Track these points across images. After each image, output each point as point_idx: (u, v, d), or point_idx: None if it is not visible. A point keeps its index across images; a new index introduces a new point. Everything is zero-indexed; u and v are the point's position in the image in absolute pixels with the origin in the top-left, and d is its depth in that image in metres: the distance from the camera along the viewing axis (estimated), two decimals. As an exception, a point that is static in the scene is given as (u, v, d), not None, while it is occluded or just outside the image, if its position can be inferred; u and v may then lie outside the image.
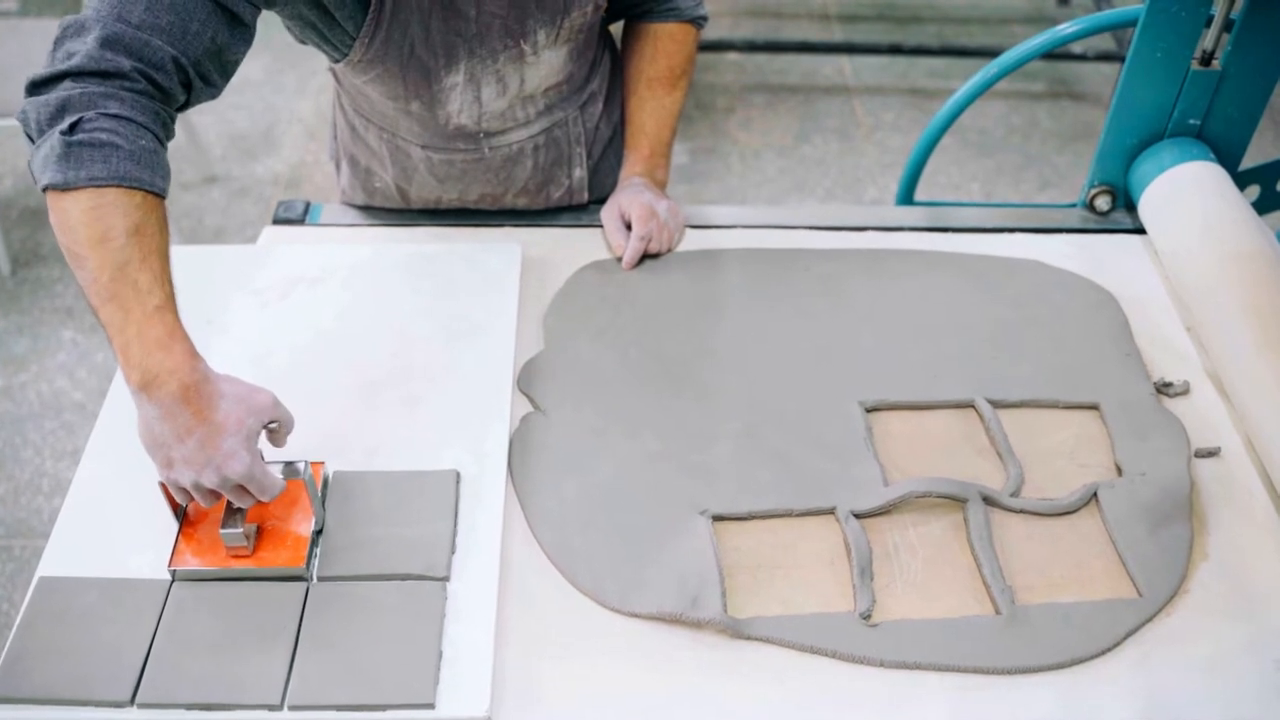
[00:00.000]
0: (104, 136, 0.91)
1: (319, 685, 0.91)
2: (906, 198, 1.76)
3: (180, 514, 1.01)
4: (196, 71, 0.99)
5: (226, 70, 1.04)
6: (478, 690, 0.91)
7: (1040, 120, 3.18)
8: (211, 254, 1.36)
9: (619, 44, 1.45)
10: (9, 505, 2.14)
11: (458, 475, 1.07)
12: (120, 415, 1.11)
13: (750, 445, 1.12)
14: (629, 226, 1.35)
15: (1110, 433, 1.15)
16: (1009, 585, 1.00)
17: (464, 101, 1.26)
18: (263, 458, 0.94)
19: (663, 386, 1.19)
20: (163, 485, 0.96)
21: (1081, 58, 3.20)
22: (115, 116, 0.92)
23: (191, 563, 0.98)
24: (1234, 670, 0.95)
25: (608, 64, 1.42)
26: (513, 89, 1.27)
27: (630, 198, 1.36)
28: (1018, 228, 1.44)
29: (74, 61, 0.93)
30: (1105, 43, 3.22)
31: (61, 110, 0.92)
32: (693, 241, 1.39)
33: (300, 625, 0.95)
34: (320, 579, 0.99)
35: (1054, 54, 3.11)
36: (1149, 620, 0.98)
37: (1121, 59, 1.37)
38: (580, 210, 1.45)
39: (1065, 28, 1.60)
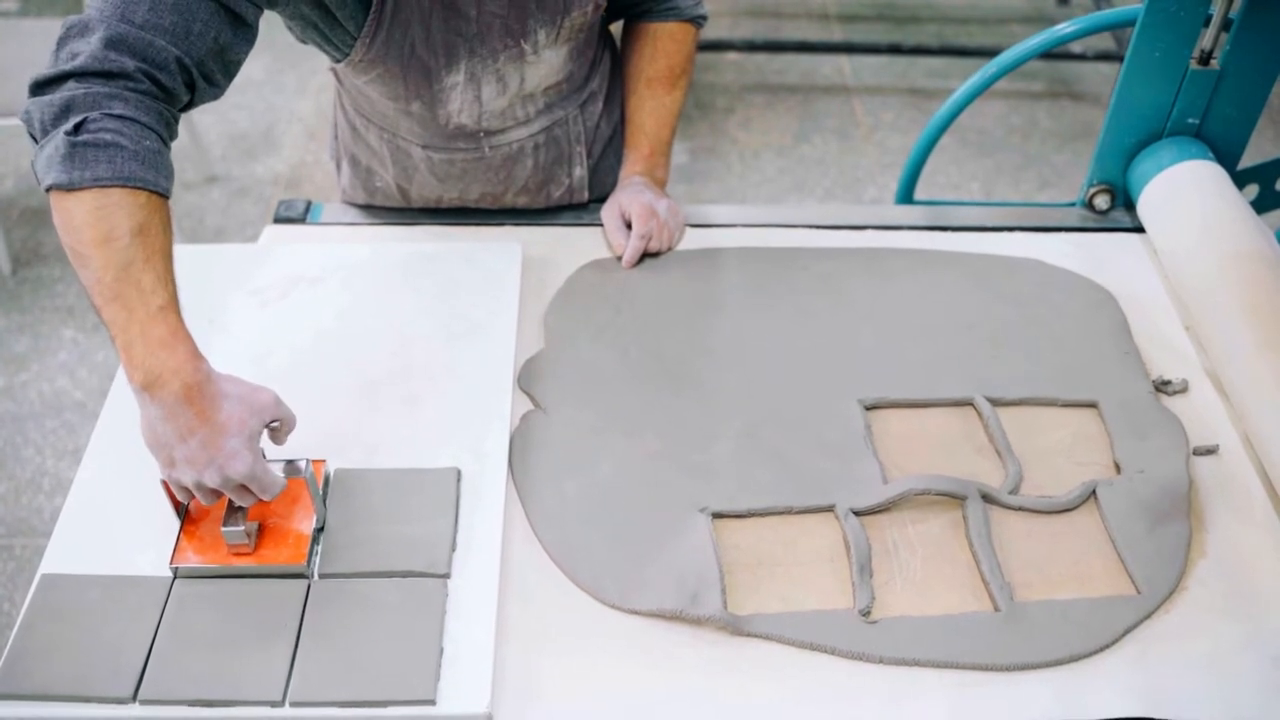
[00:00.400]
0: (109, 137, 0.91)
1: (320, 682, 0.91)
2: (906, 197, 1.76)
3: (182, 512, 1.01)
4: (200, 71, 1.00)
5: (229, 70, 1.04)
6: (478, 687, 0.91)
7: (1040, 120, 3.18)
8: (212, 253, 1.36)
9: (618, 43, 1.45)
10: (10, 504, 2.14)
11: (458, 473, 1.07)
12: (122, 414, 1.11)
13: (750, 443, 1.13)
14: (629, 225, 1.35)
15: (1109, 431, 1.15)
16: (1008, 582, 1.00)
17: (464, 101, 1.27)
18: (264, 456, 0.95)
19: (663, 384, 1.19)
20: (164, 483, 0.96)
21: (1081, 57, 3.20)
22: (120, 117, 0.93)
23: (193, 560, 0.98)
24: (1232, 667, 0.95)
25: (607, 63, 1.43)
26: (513, 88, 1.28)
27: (630, 197, 1.36)
28: (1016, 226, 1.44)
29: (78, 62, 0.93)
30: (1104, 42, 3.22)
31: (66, 110, 0.92)
32: (692, 240, 1.39)
33: (301, 622, 0.95)
34: (321, 576, 0.99)
35: (1053, 54, 3.11)
36: (1147, 617, 0.99)
37: (1121, 58, 1.38)
38: (580, 209, 1.46)
39: (1064, 27, 1.60)
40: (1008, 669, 0.95)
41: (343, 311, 1.25)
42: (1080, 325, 1.27)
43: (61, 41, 0.96)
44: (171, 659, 0.92)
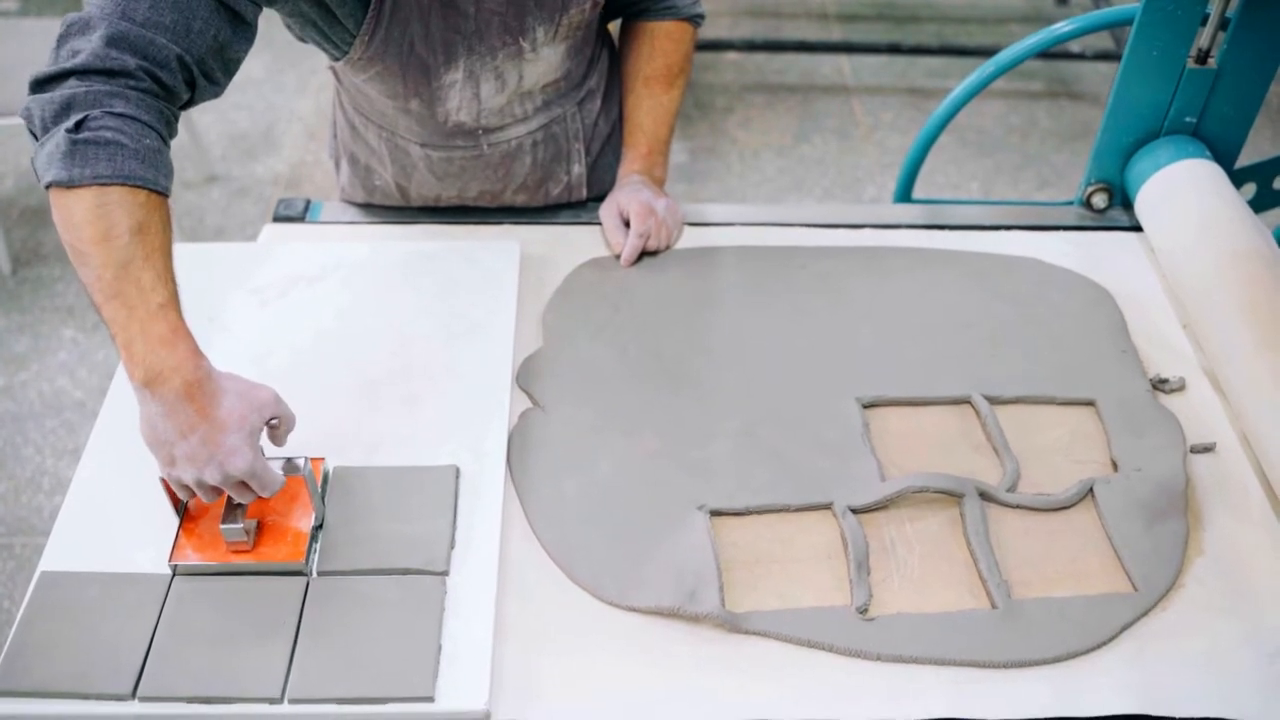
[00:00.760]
0: (109, 135, 0.91)
1: (319, 679, 0.91)
2: (904, 196, 1.77)
3: (181, 509, 1.01)
4: (200, 69, 1.00)
5: (229, 68, 1.05)
6: (477, 684, 0.92)
7: (1039, 119, 3.18)
8: (212, 251, 1.36)
9: (616, 42, 1.46)
10: (10, 503, 2.14)
11: (457, 470, 1.07)
12: (121, 413, 1.11)
13: (748, 441, 1.13)
14: (627, 224, 1.36)
15: (1106, 429, 1.15)
16: (1005, 580, 1.01)
17: (463, 98, 1.27)
18: (263, 454, 0.95)
19: (661, 383, 1.19)
20: (163, 481, 0.96)
21: (1079, 57, 3.20)
22: (120, 115, 0.93)
23: (192, 558, 0.98)
24: (1229, 664, 0.95)
25: (606, 61, 1.43)
26: (511, 85, 1.28)
27: (629, 195, 1.36)
28: (1014, 225, 1.45)
29: (79, 59, 0.93)
30: (1103, 41, 3.22)
31: (67, 108, 0.92)
32: (691, 239, 1.39)
33: (300, 619, 0.95)
34: (320, 574, 0.99)
35: (1052, 53, 3.11)
36: (1144, 615, 0.99)
37: (1119, 58, 1.38)
38: (579, 208, 1.46)
39: (1062, 26, 1.60)
40: (1005, 666, 0.95)
41: (342, 310, 1.25)
42: (1078, 324, 1.27)
43: (62, 39, 0.96)
44: (170, 656, 0.93)
